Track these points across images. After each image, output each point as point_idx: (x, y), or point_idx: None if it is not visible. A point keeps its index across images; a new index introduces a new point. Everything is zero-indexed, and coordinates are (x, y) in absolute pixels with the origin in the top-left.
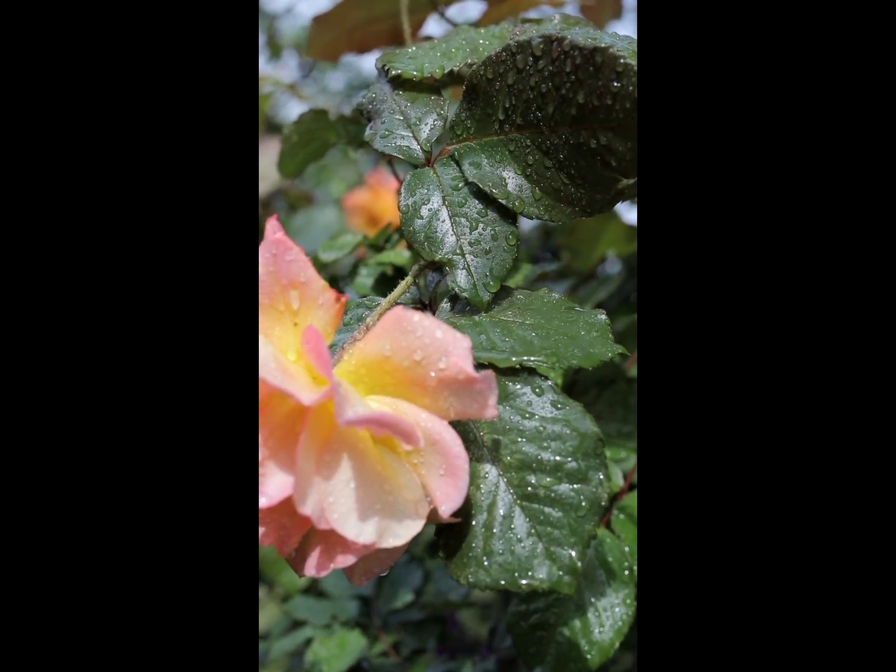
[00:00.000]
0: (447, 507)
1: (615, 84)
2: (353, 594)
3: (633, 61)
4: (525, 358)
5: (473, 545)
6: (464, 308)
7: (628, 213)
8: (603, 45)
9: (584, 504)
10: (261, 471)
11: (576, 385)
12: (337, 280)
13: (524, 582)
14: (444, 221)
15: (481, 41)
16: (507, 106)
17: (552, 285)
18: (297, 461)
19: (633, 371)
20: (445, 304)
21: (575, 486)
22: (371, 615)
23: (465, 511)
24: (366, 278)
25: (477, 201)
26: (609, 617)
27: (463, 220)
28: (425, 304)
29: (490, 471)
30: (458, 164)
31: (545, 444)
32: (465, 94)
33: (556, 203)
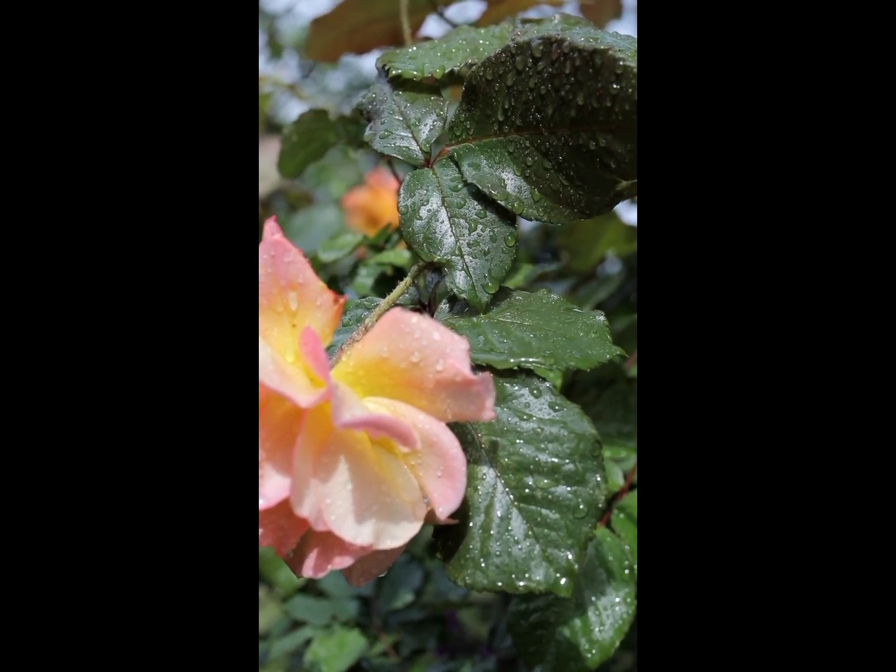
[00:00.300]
0: (444, 508)
1: (614, 86)
2: (353, 594)
3: (633, 63)
4: (523, 359)
5: (471, 547)
6: (462, 309)
7: (628, 213)
8: (602, 47)
9: (581, 506)
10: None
11: (576, 385)
12: (337, 280)
13: (521, 584)
14: (442, 222)
15: (481, 41)
16: (507, 107)
17: (552, 285)
18: (293, 463)
19: (633, 371)
20: (444, 305)
21: (572, 487)
22: (371, 615)
23: (463, 513)
24: (366, 279)
25: (476, 202)
26: (609, 616)
27: (462, 221)
28: (424, 304)
29: (488, 472)
30: (457, 164)
31: (543, 446)
32: (464, 95)
33: (556, 204)
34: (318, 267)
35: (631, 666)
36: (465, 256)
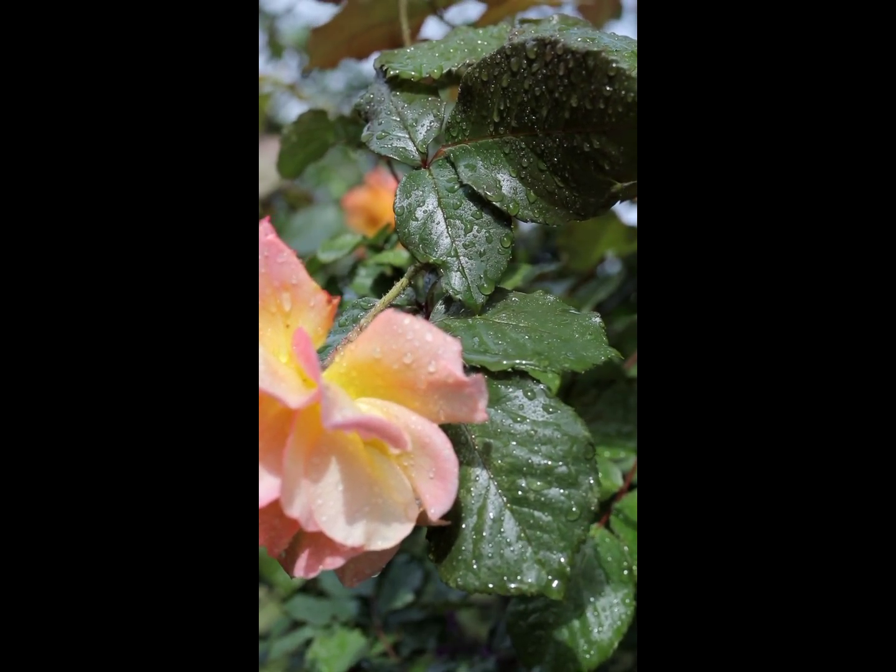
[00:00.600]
0: (436, 510)
1: (607, 88)
2: (353, 594)
3: (626, 65)
4: (517, 361)
5: (463, 548)
6: (458, 310)
7: (627, 213)
8: (595, 49)
9: (574, 509)
10: None
11: (575, 385)
12: (336, 280)
13: (513, 586)
14: (438, 223)
15: (479, 42)
16: (502, 108)
17: (552, 286)
18: (283, 463)
19: (632, 371)
20: (440, 306)
21: (565, 490)
22: (371, 615)
23: (455, 514)
24: (365, 279)
25: (472, 203)
26: (608, 617)
27: (458, 222)
28: (421, 305)
29: (481, 474)
30: (453, 166)
31: (536, 448)
32: (460, 96)
33: (551, 206)
34: (318, 267)
35: (631, 666)
36: (461, 257)
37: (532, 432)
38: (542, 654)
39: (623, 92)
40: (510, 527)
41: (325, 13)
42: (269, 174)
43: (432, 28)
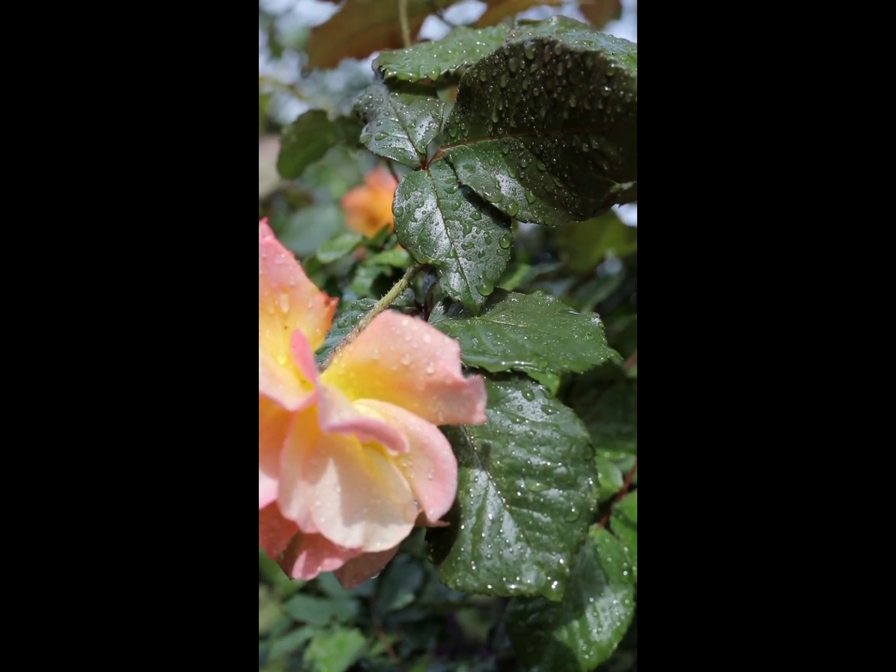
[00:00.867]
0: (435, 511)
1: (606, 88)
2: (353, 594)
3: (625, 66)
4: (516, 362)
5: (462, 549)
6: (457, 311)
7: (627, 213)
8: (593, 49)
9: (573, 510)
10: None
11: (575, 385)
12: (336, 281)
13: (512, 587)
14: (437, 224)
15: (478, 42)
16: (501, 109)
17: (551, 286)
18: (281, 465)
19: (632, 371)
20: (439, 307)
21: (564, 491)
22: (371, 615)
23: (454, 515)
24: (365, 279)
25: (471, 204)
26: (607, 617)
27: (457, 222)
28: (421, 306)
29: (479, 475)
30: (452, 166)
31: (535, 449)
32: (459, 97)
33: (550, 206)
34: (318, 267)
35: (631, 666)
36: (460, 258)
37: (531, 433)
38: (542, 654)
39: (622, 92)
40: (509, 528)
41: (325, 13)
42: (269, 174)
43: (432, 28)
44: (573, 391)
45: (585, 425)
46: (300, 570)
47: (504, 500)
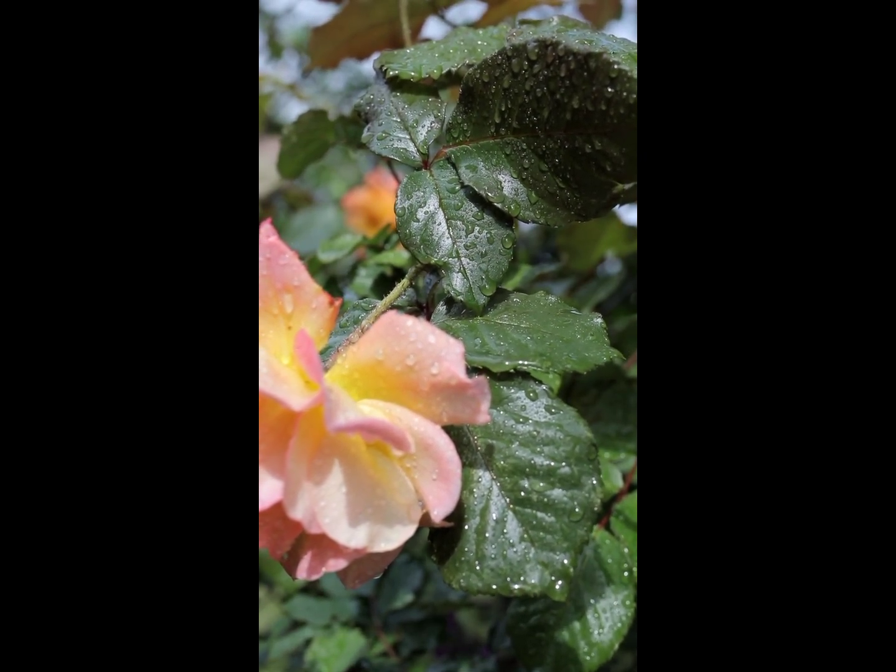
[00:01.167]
0: (439, 511)
1: (609, 89)
2: (353, 594)
3: (628, 67)
4: (519, 362)
5: (466, 549)
6: (460, 311)
7: (627, 213)
8: (597, 50)
9: (577, 509)
10: None
11: (575, 385)
12: (336, 281)
13: (516, 587)
14: (440, 224)
15: (479, 42)
16: (503, 109)
17: (552, 286)
18: (286, 466)
19: (632, 371)
20: (442, 307)
21: (568, 491)
22: (371, 615)
23: (458, 515)
24: (365, 279)
25: (473, 204)
26: (608, 618)
27: (459, 223)
28: (423, 306)
29: (483, 475)
30: (454, 166)
31: (538, 449)
32: (461, 97)
33: (552, 207)
34: (318, 267)
35: (631, 666)
36: (462, 258)
37: (534, 433)
38: (543, 655)
39: (625, 94)
40: (513, 528)
41: (326, 13)
42: (269, 174)
43: (433, 28)
44: (573, 391)
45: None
46: (304, 571)
47: (508, 500)
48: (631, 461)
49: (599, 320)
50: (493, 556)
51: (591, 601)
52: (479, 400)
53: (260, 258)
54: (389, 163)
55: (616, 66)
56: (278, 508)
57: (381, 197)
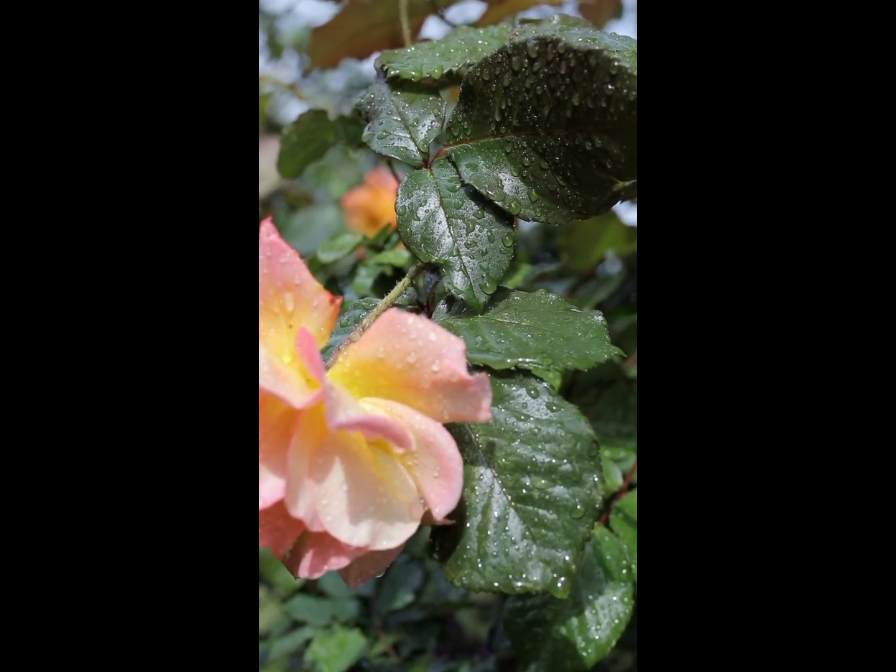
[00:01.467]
0: (441, 509)
1: (609, 87)
2: (353, 594)
3: (628, 64)
4: (520, 360)
5: (468, 547)
6: (460, 309)
7: (628, 213)
8: (597, 47)
9: (578, 507)
10: None
11: (576, 385)
12: (336, 281)
13: (518, 584)
14: (440, 223)
15: (480, 42)
16: (504, 108)
17: (552, 285)
18: (288, 464)
19: (632, 371)
20: (442, 306)
21: (569, 488)
22: (371, 615)
23: (460, 513)
24: (365, 279)
25: (473, 203)
26: (606, 615)
27: (459, 221)
28: (423, 305)
29: (485, 473)
30: (454, 165)
31: (540, 447)
32: (461, 96)
33: (553, 205)
34: (318, 267)
35: (631, 666)
36: (463, 257)
37: (536, 430)
38: (539, 650)
39: (625, 91)
40: (515, 525)
41: (325, 13)
42: (269, 174)
43: (433, 28)
44: (574, 391)
45: None
46: (306, 570)
47: (509, 497)
48: (631, 460)
49: (600, 318)
50: (495, 553)
51: (590, 597)
52: (480, 397)
53: (261, 256)
54: (389, 162)
55: (616, 64)
56: (280, 507)
57: (381, 197)
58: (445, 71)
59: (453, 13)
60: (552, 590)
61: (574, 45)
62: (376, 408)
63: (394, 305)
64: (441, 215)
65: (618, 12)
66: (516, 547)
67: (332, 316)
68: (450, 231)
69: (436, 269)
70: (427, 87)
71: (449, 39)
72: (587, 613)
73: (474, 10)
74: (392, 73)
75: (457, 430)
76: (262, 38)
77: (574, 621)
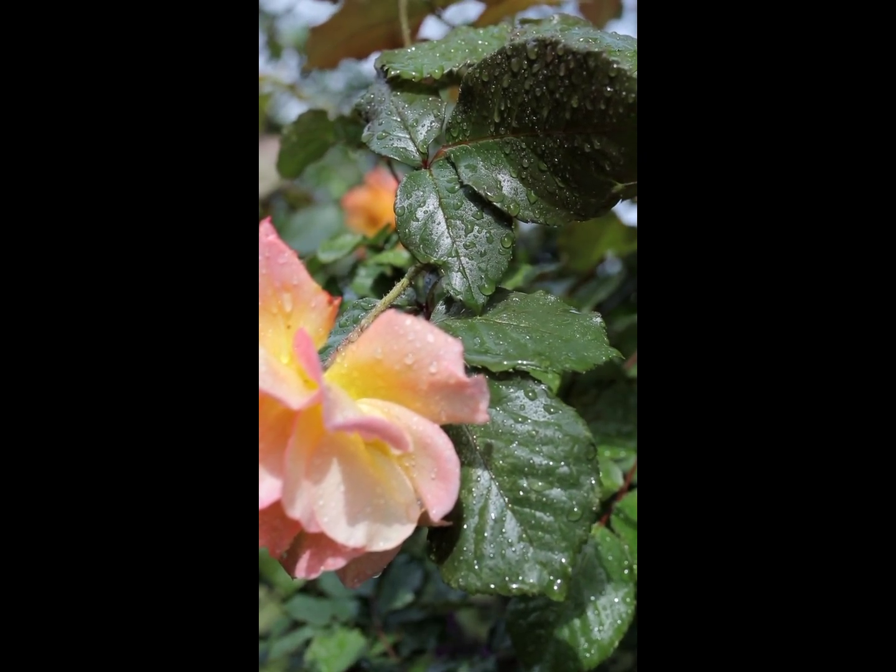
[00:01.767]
0: (438, 510)
1: (608, 89)
2: (353, 594)
3: (627, 66)
4: (518, 361)
5: (464, 549)
6: (459, 310)
7: (627, 213)
8: (596, 49)
9: (575, 509)
10: None
11: (575, 385)
12: (336, 281)
13: (515, 586)
14: (439, 224)
15: (480, 42)
16: (503, 109)
17: (552, 286)
18: (285, 464)
19: (632, 371)
20: (441, 307)
21: (567, 490)
22: (371, 615)
23: (457, 515)
24: (365, 279)
25: (472, 204)
26: (608, 616)
27: (458, 222)
28: (422, 305)
29: (482, 475)
30: (454, 166)
31: (537, 449)
32: (461, 97)
33: (551, 206)
34: (318, 267)
35: (631, 666)
36: (462, 258)
37: (533, 433)
38: (542, 652)
39: (624, 93)
40: (512, 527)
41: (324, 13)
42: (269, 174)
43: (431, 28)
44: (573, 391)
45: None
46: (303, 570)
47: (506, 499)
48: (631, 460)
49: (599, 320)
50: (491, 555)
51: (591, 598)
52: (477, 399)
53: (259, 257)
54: (389, 163)
55: (615, 66)
56: (277, 507)
57: (381, 197)
58: (446, 71)
59: (451, 13)
60: (548, 592)
61: (573, 47)
62: (374, 409)
63: (393, 306)
64: (440, 216)
65: (618, 12)
66: (513, 549)
67: (331, 316)
68: (448, 232)
69: (435, 269)
70: (427, 88)
71: (449, 39)
72: (589, 614)
73: (473, 10)
74: (392, 73)
75: (454, 432)
76: (262, 38)
77: (576, 622)
